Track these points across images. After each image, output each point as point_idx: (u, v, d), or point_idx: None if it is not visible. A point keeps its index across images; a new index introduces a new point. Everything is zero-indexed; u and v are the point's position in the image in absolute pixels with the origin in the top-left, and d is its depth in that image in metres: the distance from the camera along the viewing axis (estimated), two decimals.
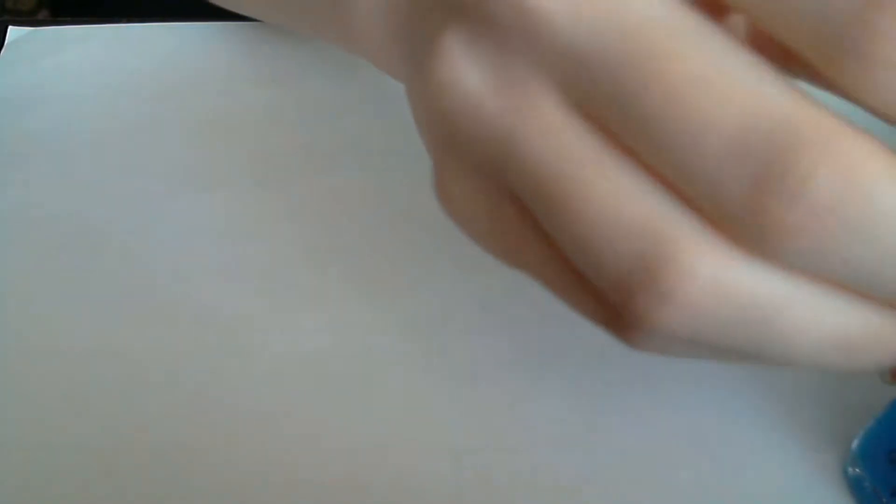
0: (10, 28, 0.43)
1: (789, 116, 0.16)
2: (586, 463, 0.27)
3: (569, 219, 0.18)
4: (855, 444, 0.26)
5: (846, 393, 0.28)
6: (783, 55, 0.18)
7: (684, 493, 0.26)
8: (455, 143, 0.20)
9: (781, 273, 0.18)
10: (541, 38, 0.17)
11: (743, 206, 0.17)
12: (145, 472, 0.26)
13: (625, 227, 0.18)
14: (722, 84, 0.16)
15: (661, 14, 0.17)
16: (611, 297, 0.19)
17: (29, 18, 0.47)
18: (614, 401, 0.28)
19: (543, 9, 0.17)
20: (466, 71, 0.19)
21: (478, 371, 0.29)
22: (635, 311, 0.18)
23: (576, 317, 0.30)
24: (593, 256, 0.18)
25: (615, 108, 0.17)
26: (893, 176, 0.16)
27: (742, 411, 0.28)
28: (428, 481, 0.26)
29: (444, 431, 0.27)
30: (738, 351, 0.19)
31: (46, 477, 0.26)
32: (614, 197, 0.18)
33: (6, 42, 0.43)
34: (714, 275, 0.17)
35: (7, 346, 0.30)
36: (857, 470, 0.25)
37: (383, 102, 0.27)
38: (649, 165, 0.18)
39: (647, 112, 0.17)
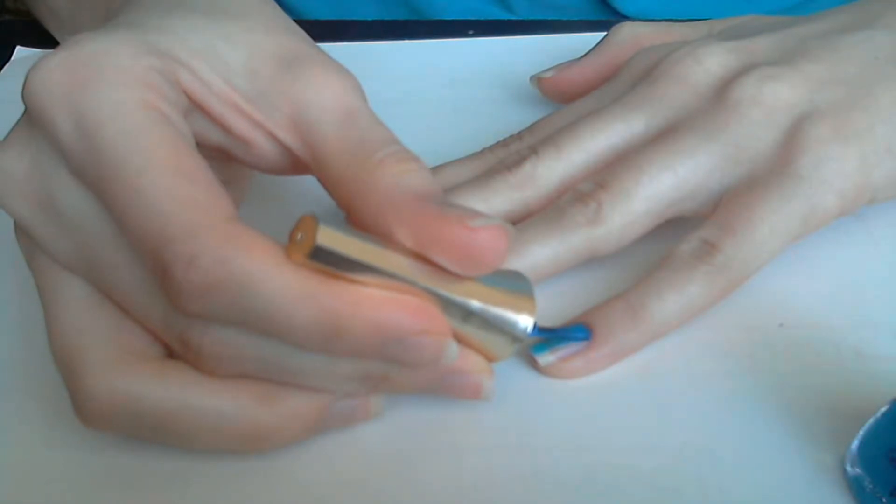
0: (18, 48, 0.44)
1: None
2: (586, 463, 0.27)
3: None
4: (855, 444, 0.26)
5: (846, 393, 0.28)
6: None
7: (684, 493, 0.26)
8: None
9: (180, 385, 0.24)
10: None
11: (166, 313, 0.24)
12: (148, 468, 0.26)
13: (58, 356, 0.24)
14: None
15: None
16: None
17: (30, 19, 0.47)
18: (614, 401, 0.28)
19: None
20: None
21: None
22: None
23: (574, 315, 0.30)
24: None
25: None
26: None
27: (742, 411, 0.28)
28: (428, 481, 0.26)
29: (444, 431, 0.27)
30: (161, 439, 0.25)
31: (49, 477, 0.26)
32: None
33: (13, 58, 0.43)
34: (110, 393, 0.23)
35: (9, 345, 0.30)
36: (857, 470, 0.25)
37: (381, 108, 0.28)
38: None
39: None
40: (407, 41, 0.45)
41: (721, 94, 0.32)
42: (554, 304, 0.31)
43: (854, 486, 0.26)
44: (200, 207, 0.22)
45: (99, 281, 0.25)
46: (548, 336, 0.29)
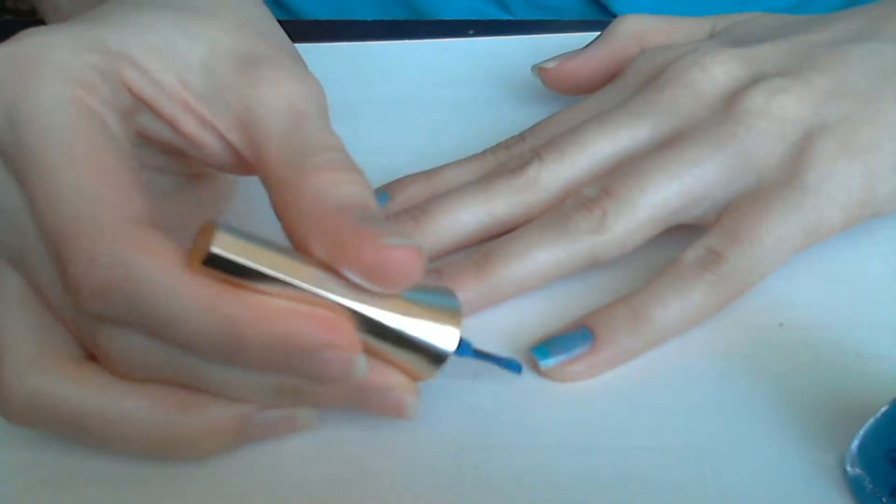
0: None
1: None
2: (586, 463, 0.27)
3: None
4: (855, 443, 0.26)
5: (846, 393, 0.28)
6: None
7: (684, 492, 0.26)
8: None
9: (96, 387, 0.23)
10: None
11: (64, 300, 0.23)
12: (147, 469, 0.26)
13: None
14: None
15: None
16: None
17: (31, 20, 0.47)
18: (614, 401, 0.28)
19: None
20: None
21: (478, 371, 0.29)
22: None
23: (575, 317, 0.30)
24: None
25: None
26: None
27: (742, 411, 0.28)
28: (427, 481, 0.26)
29: (443, 431, 0.27)
30: (79, 438, 0.25)
31: (47, 478, 0.26)
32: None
33: None
34: (27, 390, 0.23)
35: None
36: (857, 470, 0.25)
37: (381, 108, 0.28)
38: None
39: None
40: (407, 41, 0.45)
41: (729, 104, 0.32)
42: (555, 307, 0.31)
43: (854, 486, 0.26)
44: (109, 208, 0.22)
45: (26, 275, 0.24)
46: (481, 360, 0.28)
